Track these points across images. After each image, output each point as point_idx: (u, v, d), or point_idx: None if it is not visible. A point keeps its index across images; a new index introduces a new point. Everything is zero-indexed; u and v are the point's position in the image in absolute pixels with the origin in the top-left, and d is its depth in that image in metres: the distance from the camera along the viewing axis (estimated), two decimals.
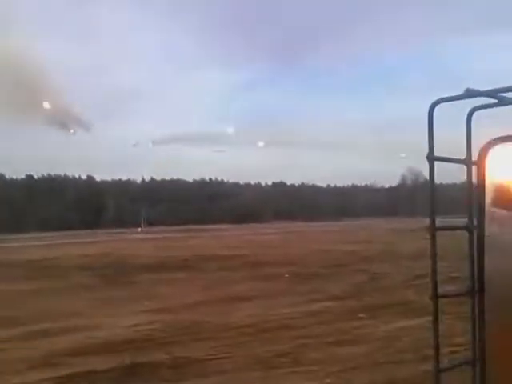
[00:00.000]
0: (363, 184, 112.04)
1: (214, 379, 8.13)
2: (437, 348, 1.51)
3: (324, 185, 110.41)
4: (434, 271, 1.51)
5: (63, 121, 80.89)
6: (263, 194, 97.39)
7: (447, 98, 1.58)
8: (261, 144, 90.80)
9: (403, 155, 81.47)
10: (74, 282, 19.04)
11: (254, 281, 18.81)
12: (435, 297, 1.52)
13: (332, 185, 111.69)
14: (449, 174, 1.65)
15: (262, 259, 25.07)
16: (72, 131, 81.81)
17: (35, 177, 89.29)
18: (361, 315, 12.40)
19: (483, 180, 1.53)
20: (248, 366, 8.73)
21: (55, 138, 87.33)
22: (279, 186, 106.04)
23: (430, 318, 1.55)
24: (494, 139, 1.51)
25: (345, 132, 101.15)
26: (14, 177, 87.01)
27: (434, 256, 1.52)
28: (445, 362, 1.50)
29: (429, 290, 1.48)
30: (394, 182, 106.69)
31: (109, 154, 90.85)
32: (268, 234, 48.38)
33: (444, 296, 1.54)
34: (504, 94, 1.53)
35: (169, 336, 10.80)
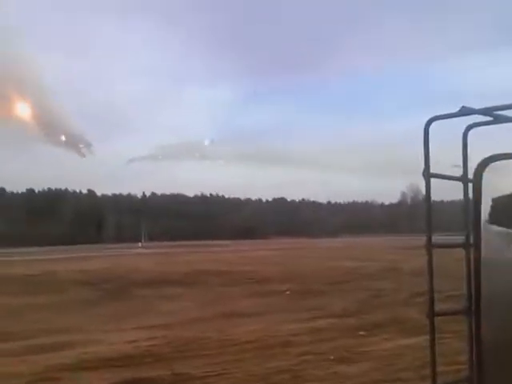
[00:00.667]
0: (363, 201, 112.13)
1: None
2: (433, 366, 1.51)
3: (324, 201, 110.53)
4: (431, 289, 1.51)
5: (62, 138, 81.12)
6: (264, 209, 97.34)
7: (442, 115, 1.60)
8: (257, 160, 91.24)
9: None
10: (73, 297, 18.98)
11: (255, 297, 18.75)
12: (432, 315, 1.52)
13: (332, 201, 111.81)
14: (456, 189, 1.66)
15: (262, 275, 25.01)
16: (77, 148, 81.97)
17: (36, 191, 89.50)
18: (362, 333, 12.34)
19: (479, 197, 1.53)
20: (248, 382, 8.67)
21: (55, 155, 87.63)
22: (280, 202, 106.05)
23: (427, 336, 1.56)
24: (490, 157, 1.52)
25: (344, 149, 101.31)
26: (15, 191, 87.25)
27: (430, 273, 1.52)
28: (442, 381, 1.50)
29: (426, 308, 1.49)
30: (394, 198, 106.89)
31: (106, 169, 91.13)
32: (269, 250, 48.27)
33: (440, 314, 1.54)
34: (499, 112, 1.55)
35: (169, 352, 10.74)
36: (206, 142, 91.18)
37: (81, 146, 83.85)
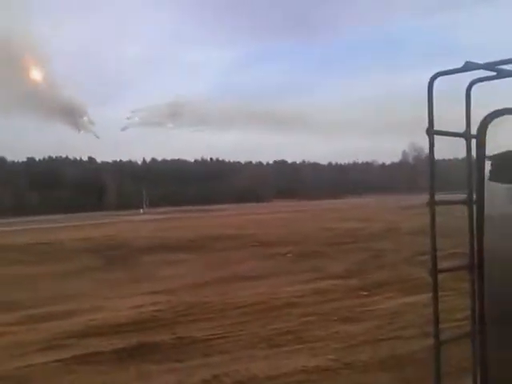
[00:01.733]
0: (364, 161, 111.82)
1: (218, 358, 8.19)
2: (436, 322, 1.51)
3: (325, 163, 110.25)
4: (434, 246, 1.50)
5: (61, 107, 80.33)
6: (264, 172, 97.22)
7: (446, 71, 1.55)
8: (260, 122, 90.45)
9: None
10: (77, 265, 19.11)
11: (258, 260, 18.88)
12: (434, 272, 1.51)
13: (333, 162, 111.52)
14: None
15: (264, 238, 25.13)
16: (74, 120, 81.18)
17: (36, 159, 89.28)
18: (364, 292, 12.46)
19: (483, 154, 1.51)
20: (251, 344, 8.78)
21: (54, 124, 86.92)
22: (280, 165, 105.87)
23: (430, 294, 1.55)
24: (493, 112, 1.49)
25: (345, 109, 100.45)
26: (15, 159, 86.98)
27: (433, 231, 1.50)
28: (445, 335, 1.50)
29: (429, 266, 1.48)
30: (395, 158, 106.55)
31: (105, 136, 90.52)
32: (270, 214, 48.42)
33: (443, 271, 1.53)
34: (502, 67, 1.51)
35: (173, 317, 10.86)
36: (204, 104, 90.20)
37: (79, 118, 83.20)
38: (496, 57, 1.52)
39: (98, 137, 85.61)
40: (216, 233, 28.45)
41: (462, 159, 1.60)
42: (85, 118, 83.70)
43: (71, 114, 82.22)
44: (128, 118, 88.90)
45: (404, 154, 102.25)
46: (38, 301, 13.02)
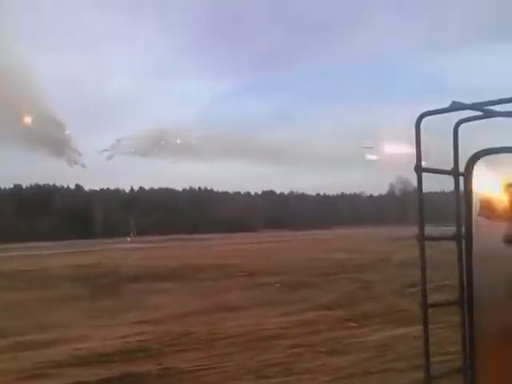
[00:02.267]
0: (352, 192, 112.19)
1: None
2: (427, 356, 1.53)
3: (313, 193, 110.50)
4: (424, 280, 1.53)
5: (47, 137, 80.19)
6: (252, 203, 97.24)
7: (433, 111, 1.61)
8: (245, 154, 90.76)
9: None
10: (63, 293, 18.88)
11: (244, 290, 18.77)
12: (425, 306, 1.54)
13: (321, 193, 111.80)
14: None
15: (252, 268, 25.01)
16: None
17: (23, 186, 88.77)
18: (352, 324, 12.41)
19: (470, 191, 1.55)
20: (239, 376, 8.69)
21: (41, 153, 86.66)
22: (268, 195, 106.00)
23: (422, 326, 1.57)
24: (480, 151, 1.54)
25: (333, 141, 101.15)
26: (2, 186, 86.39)
27: (423, 265, 1.53)
28: (435, 370, 1.52)
29: (419, 299, 1.50)
30: (383, 190, 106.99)
31: (93, 164, 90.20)
32: (258, 243, 48.28)
33: (433, 305, 1.56)
34: (489, 107, 1.56)
35: (159, 347, 10.73)
36: (193, 136, 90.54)
37: (70, 153, 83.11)
38: (485, 97, 1.58)
39: (84, 166, 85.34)
40: (203, 262, 28.27)
41: (451, 192, 1.65)
42: (71, 150, 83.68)
43: (58, 145, 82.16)
44: (113, 147, 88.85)
45: (391, 186, 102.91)
46: (23, 328, 12.83)
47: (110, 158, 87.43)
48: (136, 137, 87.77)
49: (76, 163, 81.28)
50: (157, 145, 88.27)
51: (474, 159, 1.50)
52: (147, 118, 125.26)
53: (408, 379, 7.43)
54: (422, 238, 1.55)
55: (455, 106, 1.59)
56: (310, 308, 14.90)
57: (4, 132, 67.50)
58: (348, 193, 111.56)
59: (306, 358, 9.63)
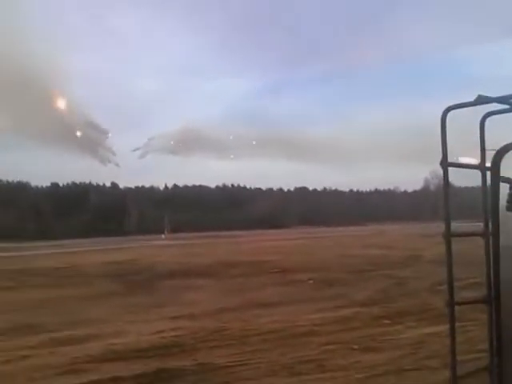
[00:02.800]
0: (386, 188, 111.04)
1: None
2: (453, 355, 1.51)
3: (346, 189, 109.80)
4: (450, 278, 1.51)
5: (84, 132, 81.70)
6: (286, 199, 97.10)
7: (459, 104, 1.59)
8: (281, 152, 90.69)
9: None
10: (100, 289, 19.21)
11: (279, 287, 18.78)
12: (451, 304, 1.52)
13: (354, 189, 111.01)
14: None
15: (285, 265, 25.01)
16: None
17: (60, 184, 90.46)
18: (386, 321, 12.31)
19: (498, 186, 1.52)
20: (272, 372, 8.71)
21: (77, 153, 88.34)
22: (301, 192, 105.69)
23: (457, 323, 1.55)
24: (507, 145, 1.51)
25: (366, 137, 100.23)
26: (39, 185, 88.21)
27: (449, 263, 1.51)
28: (463, 368, 1.50)
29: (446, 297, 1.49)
30: (417, 185, 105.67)
31: (127, 163, 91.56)
32: (291, 240, 48.24)
33: (460, 303, 1.54)
34: None
35: (194, 342, 10.83)
36: (224, 134, 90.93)
37: (104, 152, 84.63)
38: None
39: (118, 166, 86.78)
40: (237, 259, 28.41)
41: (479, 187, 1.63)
42: (106, 150, 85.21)
43: (93, 146, 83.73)
44: (145, 146, 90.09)
45: (426, 181, 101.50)
46: (60, 324, 13.10)
47: (142, 156, 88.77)
48: (167, 135, 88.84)
49: (110, 162, 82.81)
50: (189, 143, 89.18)
51: (500, 153, 1.48)
52: (178, 116, 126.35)
53: (442, 377, 7.33)
54: (448, 235, 1.53)
55: (481, 100, 1.56)
56: (344, 305, 14.83)
57: (39, 132, 69.07)
58: (382, 188, 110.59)
59: (339, 354, 9.59)
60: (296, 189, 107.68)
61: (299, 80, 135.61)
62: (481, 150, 1.63)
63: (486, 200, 1.62)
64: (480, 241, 1.68)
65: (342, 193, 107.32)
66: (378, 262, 25.40)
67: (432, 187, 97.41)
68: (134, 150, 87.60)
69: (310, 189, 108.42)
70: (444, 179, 1.56)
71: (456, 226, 1.61)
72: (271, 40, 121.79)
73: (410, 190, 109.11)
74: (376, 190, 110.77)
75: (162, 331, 11.97)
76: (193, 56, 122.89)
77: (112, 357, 9.92)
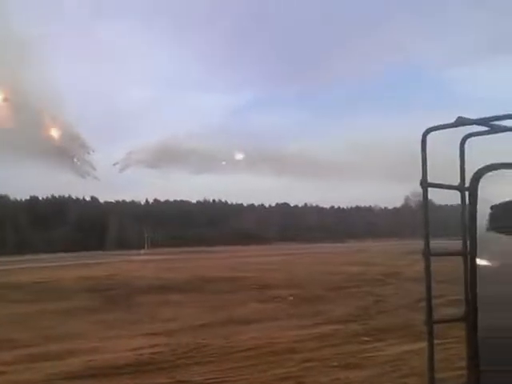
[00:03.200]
0: (367, 205, 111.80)
1: None
2: (432, 373, 1.52)
3: (327, 206, 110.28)
4: (429, 296, 1.52)
5: (65, 146, 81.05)
6: (266, 215, 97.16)
7: (439, 126, 1.61)
8: (262, 166, 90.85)
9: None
10: (77, 304, 18.97)
11: (258, 303, 18.72)
12: (430, 322, 1.53)
13: (335, 206, 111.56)
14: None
15: (265, 281, 24.98)
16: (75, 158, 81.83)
17: (39, 198, 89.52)
18: (366, 338, 12.32)
19: (475, 206, 1.55)
20: None
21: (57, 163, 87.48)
22: (282, 208, 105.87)
23: (436, 341, 1.56)
24: (486, 166, 1.54)
25: (347, 154, 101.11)
26: (18, 198, 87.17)
27: (428, 281, 1.53)
28: None
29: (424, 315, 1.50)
30: (397, 203, 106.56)
31: (107, 176, 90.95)
32: (271, 256, 48.20)
33: (438, 322, 1.55)
34: (495, 122, 1.57)
35: (171, 359, 10.72)
36: (207, 148, 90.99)
37: (83, 166, 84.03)
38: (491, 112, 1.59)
39: (98, 179, 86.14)
40: (216, 275, 28.32)
41: (458, 205, 1.66)
42: (86, 164, 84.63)
43: (72, 159, 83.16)
44: (125, 159, 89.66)
45: (406, 199, 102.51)
46: (36, 340, 12.91)
47: (121, 170, 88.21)
48: (147, 149, 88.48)
49: (89, 175, 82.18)
50: (168, 157, 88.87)
51: (478, 175, 1.51)
52: (161, 130, 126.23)
53: None
54: (427, 253, 1.54)
55: (460, 122, 1.59)
56: (324, 322, 14.81)
57: (18, 145, 68.43)
58: (362, 205, 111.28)
59: (319, 371, 9.56)
60: (277, 204, 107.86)
61: (284, 95, 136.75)
62: (460, 171, 1.65)
63: (464, 220, 1.65)
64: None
65: (322, 209, 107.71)
66: (358, 279, 25.48)
67: (412, 205, 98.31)
68: (114, 165, 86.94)
69: (292, 205, 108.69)
70: (423, 199, 1.59)
71: (435, 243, 1.63)
72: (257, 56, 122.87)
73: (390, 207, 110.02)
74: (357, 206, 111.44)
75: (140, 348, 11.83)
76: (178, 70, 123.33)
77: (89, 373, 9.78)
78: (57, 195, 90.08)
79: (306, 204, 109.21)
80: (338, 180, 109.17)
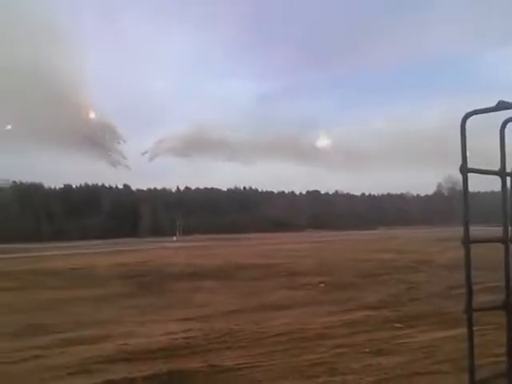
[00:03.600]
0: (398, 193, 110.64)
1: None
2: (471, 360, 1.50)
3: (358, 193, 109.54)
4: (469, 284, 1.50)
5: (97, 135, 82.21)
6: (297, 202, 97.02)
7: (480, 110, 1.58)
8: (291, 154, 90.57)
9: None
10: (112, 291, 19.30)
11: (289, 290, 18.76)
12: (469, 310, 1.51)
13: (366, 193, 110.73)
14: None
15: (296, 268, 25.01)
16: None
17: (73, 186, 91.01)
18: (398, 325, 12.25)
19: None
20: (283, 374, 8.69)
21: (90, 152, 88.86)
22: (313, 195, 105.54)
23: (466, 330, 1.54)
24: None
25: (378, 142, 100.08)
26: (52, 186, 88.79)
27: (468, 269, 1.50)
28: (481, 373, 1.49)
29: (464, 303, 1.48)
30: (430, 190, 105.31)
31: (139, 165, 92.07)
32: (302, 243, 48.19)
33: (477, 310, 1.53)
34: None
35: (204, 344, 10.83)
36: (236, 137, 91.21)
37: (114, 155, 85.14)
38: None
39: (129, 168, 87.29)
40: (247, 261, 28.46)
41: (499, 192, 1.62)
42: (116, 154, 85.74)
43: (103, 149, 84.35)
44: (154, 149, 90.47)
45: (439, 186, 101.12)
46: (72, 325, 13.16)
47: (151, 159, 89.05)
48: (179, 138, 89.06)
49: (120, 164, 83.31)
50: (201, 145, 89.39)
51: None
52: (188, 118, 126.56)
53: (454, 381, 7.30)
54: (466, 241, 1.52)
55: (501, 106, 1.56)
56: (355, 308, 14.78)
57: (51, 134, 69.56)
58: (394, 193, 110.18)
59: (350, 358, 9.55)
60: (308, 192, 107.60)
61: (311, 83, 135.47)
62: (500, 156, 1.62)
63: (505, 205, 1.62)
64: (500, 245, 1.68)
65: (353, 196, 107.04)
66: (390, 266, 25.30)
67: (445, 192, 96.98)
68: (143, 154, 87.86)
69: (322, 192, 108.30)
70: (463, 185, 1.55)
71: (472, 230, 1.61)
72: (283, 42, 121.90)
73: (422, 194, 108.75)
74: (388, 194, 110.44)
75: (174, 333, 11.98)
76: (204, 57, 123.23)
77: (123, 357, 9.95)
78: (90, 183, 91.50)
79: (336, 191, 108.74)
80: (369, 167, 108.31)
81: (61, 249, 45.82)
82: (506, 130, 1.64)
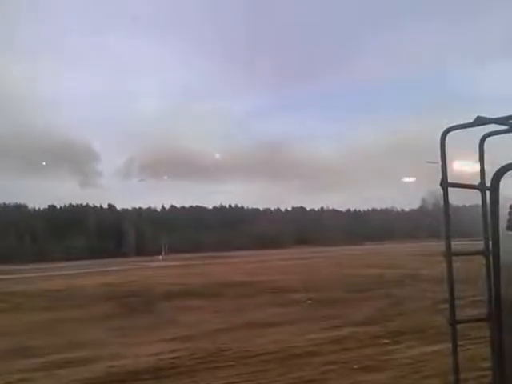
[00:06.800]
0: (383, 207, 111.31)
1: None
2: (457, 373, 1.51)
3: (343, 209, 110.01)
4: (452, 296, 1.52)
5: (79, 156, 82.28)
6: (283, 219, 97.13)
7: (458, 125, 1.61)
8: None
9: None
10: (96, 312, 19.10)
11: (276, 307, 18.70)
12: (453, 322, 1.53)
13: (352, 209, 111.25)
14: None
15: (283, 285, 24.95)
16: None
17: (57, 207, 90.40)
18: (385, 341, 12.25)
19: (496, 205, 1.55)
20: None
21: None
22: (299, 211, 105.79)
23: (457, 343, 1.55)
24: (506, 165, 1.54)
25: (363, 157, 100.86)
26: (37, 207, 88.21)
27: (450, 281, 1.53)
28: None
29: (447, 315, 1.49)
30: (414, 205, 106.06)
31: (122, 184, 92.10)
32: (289, 260, 48.15)
33: (461, 322, 1.55)
34: None
35: (191, 364, 10.76)
36: (217, 156, 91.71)
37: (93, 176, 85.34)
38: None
39: (108, 189, 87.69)
40: (234, 279, 28.35)
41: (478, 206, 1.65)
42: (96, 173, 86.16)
43: (83, 168, 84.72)
44: (139, 168, 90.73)
45: (423, 201, 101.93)
46: (58, 347, 13.01)
47: (140, 180, 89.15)
48: (163, 158, 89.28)
49: (99, 184, 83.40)
50: (184, 166, 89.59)
51: (499, 173, 1.50)
52: (173, 140, 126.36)
53: None
54: (449, 254, 1.54)
55: (479, 121, 1.59)
56: (343, 324, 14.76)
57: (30, 156, 69.31)
58: (379, 208, 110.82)
59: (339, 374, 9.53)
60: (294, 208, 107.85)
61: (296, 100, 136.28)
62: (480, 170, 1.65)
63: (486, 219, 1.64)
64: (481, 259, 1.70)
65: (339, 212, 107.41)
66: (377, 281, 25.34)
67: (429, 206, 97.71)
68: (140, 181, 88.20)
69: (308, 209, 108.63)
70: (444, 199, 1.58)
71: (455, 244, 1.63)
72: (266, 60, 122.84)
73: (407, 209, 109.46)
74: (373, 209, 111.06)
75: (161, 353, 11.88)
76: (189, 78, 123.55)
77: (111, 379, 9.84)
78: (74, 203, 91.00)
79: (322, 208, 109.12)
80: (353, 183, 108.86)
81: (46, 270, 45.28)
82: (485, 145, 1.68)
